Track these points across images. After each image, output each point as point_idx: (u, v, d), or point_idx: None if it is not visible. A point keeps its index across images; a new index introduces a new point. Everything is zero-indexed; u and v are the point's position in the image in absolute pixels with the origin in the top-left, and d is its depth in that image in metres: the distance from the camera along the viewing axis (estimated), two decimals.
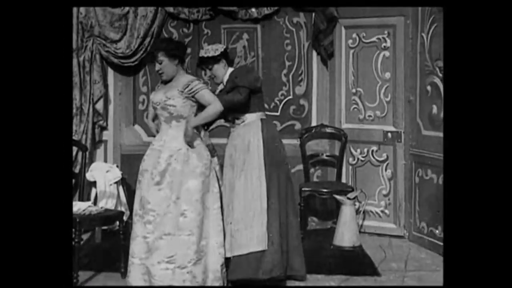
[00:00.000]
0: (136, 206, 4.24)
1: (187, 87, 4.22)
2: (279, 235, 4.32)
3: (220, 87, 4.62)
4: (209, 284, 4.18)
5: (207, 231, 4.20)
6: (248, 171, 4.37)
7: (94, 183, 5.62)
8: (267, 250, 4.26)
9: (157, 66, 4.34)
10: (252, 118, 4.49)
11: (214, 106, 4.21)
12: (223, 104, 4.25)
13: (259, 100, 4.55)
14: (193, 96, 4.23)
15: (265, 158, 4.39)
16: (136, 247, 4.14)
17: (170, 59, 4.32)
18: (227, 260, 4.30)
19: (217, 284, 4.19)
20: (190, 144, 4.20)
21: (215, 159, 4.48)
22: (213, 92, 4.50)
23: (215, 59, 4.50)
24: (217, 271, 4.20)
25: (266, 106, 6.16)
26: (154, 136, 4.48)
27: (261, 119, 4.51)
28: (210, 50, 4.54)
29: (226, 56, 4.56)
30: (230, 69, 4.56)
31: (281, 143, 4.58)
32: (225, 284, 4.27)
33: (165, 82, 4.39)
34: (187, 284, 4.08)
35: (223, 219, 4.30)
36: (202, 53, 4.55)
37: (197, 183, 4.17)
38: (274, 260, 4.27)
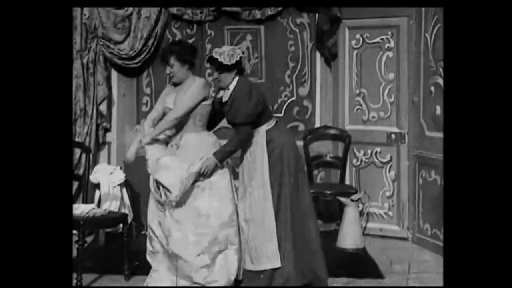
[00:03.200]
0: None
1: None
2: (292, 247, 4.26)
3: (222, 93, 4.44)
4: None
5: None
6: (253, 190, 4.31)
7: (97, 185, 5.63)
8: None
9: (168, 69, 4.40)
10: (257, 134, 4.35)
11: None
12: (231, 149, 4.31)
13: (263, 114, 4.36)
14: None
15: (271, 173, 4.29)
16: None
17: (181, 63, 4.36)
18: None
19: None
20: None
21: None
22: (216, 92, 4.53)
23: (227, 67, 4.26)
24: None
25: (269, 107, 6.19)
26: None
27: (267, 131, 4.34)
28: (225, 55, 4.25)
29: (239, 66, 4.31)
30: (236, 78, 4.32)
31: (292, 149, 4.40)
32: None
33: (175, 84, 4.43)
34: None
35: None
36: (216, 55, 4.26)
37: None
38: (287, 274, 4.23)
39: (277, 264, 4.22)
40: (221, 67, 4.26)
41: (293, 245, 4.27)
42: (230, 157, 4.39)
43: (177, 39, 6.09)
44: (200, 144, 4.38)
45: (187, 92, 4.33)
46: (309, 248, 4.34)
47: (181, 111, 4.32)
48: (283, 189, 4.30)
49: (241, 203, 4.38)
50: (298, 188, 4.36)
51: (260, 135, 4.34)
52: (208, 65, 4.54)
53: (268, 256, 4.23)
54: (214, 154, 4.28)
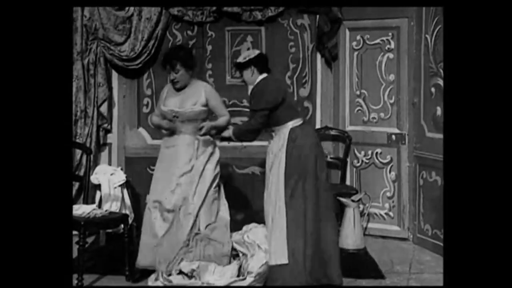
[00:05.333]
0: None
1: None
2: (304, 247, 4.32)
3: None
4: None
5: None
6: (270, 187, 4.49)
7: (98, 186, 5.64)
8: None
9: (172, 75, 4.55)
10: (280, 131, 4.54)
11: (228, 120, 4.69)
12: (240, 132, 4.57)
13: (287, 110, 4.58)
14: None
15: (287, 170, 4.42)
16: None
17: (187, 69, 4.47)
18: None
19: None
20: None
21: None
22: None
23: (242, 65, 4.66)
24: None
25: None
26: (158, 138, 4.61)
27: (291, 129, 4.51)
28: (241, 56, 4.74)
29: (256, 63, 4.65)
30: (260, 77, 4.65)
31: (314, 149, 4.50)
32: None
33: (178, 89, 4.51)
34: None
35: None
36: (237, 59, 4.78)
37: None
38: (293, 271, 4.28)
39: (284, 260, 4.27)
40: (238, 67, 4.71)
41: (305, 245, 4.31)
42: (242, 136, 4.66)
43: (178, 43, 6.11)
44: (193, 145, 4.55)
45: (215, 98, 4.68)
46: (323, 251, 4.38)
47: (225, 110, 4.76)
48: (298, 188, 4.38)
49: (265, 194, 4.57)
50: (316, 190, 4.43)
51: (284, 132, 4.52)
52: (234, 71, 5.07)
53: (276, 252, 4.29)
54: (232, 129, 4.62)
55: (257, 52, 4.80)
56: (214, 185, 4.64)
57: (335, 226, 4.60)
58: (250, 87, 4.68)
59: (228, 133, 4.65)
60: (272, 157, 4.55)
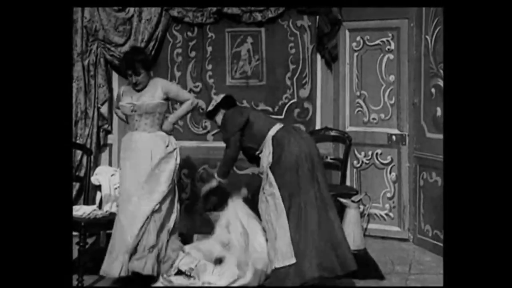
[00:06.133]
0: None
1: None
2: (306, 243, 4.31)
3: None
4: None
5: None
6: (267, 194, 4.47)
7: (99, 187, 5.62)
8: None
9: (135, 79, 4.53)
10: (264, 145, 4.56)
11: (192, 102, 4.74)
12: (223, 168, 4.72)
13: (260, 122, 4.64)
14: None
15: (277, 176, 4.42)
16: None
17: (147, 71, 4.57)
18: None
19: None
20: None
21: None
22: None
23: (213, 112, 4.84)
24: None
25: (270, 109, 6.21)
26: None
27: (273, 137, 4.52)
28: (210, 104, 4.89)
29: (223, 105, 4.82)
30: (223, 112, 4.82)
31: (305, 146, 4.48)
32: None
33: (138, 90, 4.58)
34: None
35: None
36: (205, 108, 5.00)
37: None
38: (300, 268, 4.27)
39: (292, 260, 4.28)
40: (209, 115, 4.91)
41: (307, 240, 4.30)
42: (226, 169, 4.74)
43: (177, 44, 6.16)
44: (154, 142, 4.57)
45: (173, 88, 4.75)
46: (330, 239, 4.35)
47: (187, 94, 4.88)
48: (295, 189, 4.37)
49: (261, 204, 4.54)
50: (315, 189, 4.41)
51: (267, 142, 4.53)
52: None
53: (283, 254, 4.30)
54: (216, 174, 4.74)
55: (221, 96, 4.93)
56: (170, 183, 4.59)
57: (336, 214, 4.53)
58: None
59: (214, 182, 4.75)
60: (261, 167, 4.59)
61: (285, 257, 4.30)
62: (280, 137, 4.51)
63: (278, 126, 4.60)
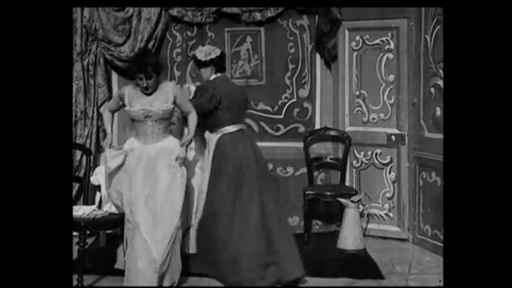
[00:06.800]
0: None
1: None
2: (231, 238, 4.52)
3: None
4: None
5: None
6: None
7: (98, 187, 5.63)
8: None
9: (145, 82, 4.39)
10: (212, 137, 4.82)
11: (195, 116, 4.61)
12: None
13: (223, 115, 4.80)
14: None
15: (212, 175, 4.72)
16: None
17: (157, 75, 4.44)
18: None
19: None
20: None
21: None
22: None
23: (204, 63, 4.84)
24: None
25: (269, 109, 6.22)
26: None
27: (219, 137, 4.78)
28: (203, 53, 4.85)
29: (216, 63, 4.86)
30: (213, 76, 4.86)
31: (242, 153, 4.73)
32: None
33: (147, 94, 4.47)
34: None
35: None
36: (197, 52, 4.91)
37: None
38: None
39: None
40: (199, 64, 4.89)
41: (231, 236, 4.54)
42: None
43: (177, 44, 6.15)
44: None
45: (182, 95, 4.61)
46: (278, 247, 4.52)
47: (190, 105, 4.66)
48: (219, 193, 4.67)
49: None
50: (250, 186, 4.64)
51: (213, 140, 4.80)
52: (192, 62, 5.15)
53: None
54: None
55: (218, 51, 4.90)
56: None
57: (258, 228, 4.60)
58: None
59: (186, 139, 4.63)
60: (203, 161, 4.86)
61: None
62: (224, 142, 4.75)
63: (232, 128, 4.78)
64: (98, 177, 5.65)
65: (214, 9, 6.04)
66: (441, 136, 5.20)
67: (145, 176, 4.37)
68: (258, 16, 6.08)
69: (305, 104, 6.26)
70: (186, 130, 4.84)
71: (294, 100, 6.25)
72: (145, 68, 4.33)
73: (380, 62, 5.95)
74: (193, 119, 4.59)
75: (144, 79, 4.36)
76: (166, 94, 4.47)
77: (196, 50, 4.98)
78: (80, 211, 4.68)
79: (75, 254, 4.48)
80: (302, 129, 6.25)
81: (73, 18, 5.91)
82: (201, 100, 4.77)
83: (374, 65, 5.96)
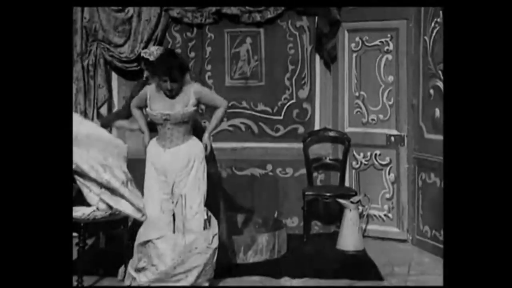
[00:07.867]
0: None
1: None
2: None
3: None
4: None
5: None
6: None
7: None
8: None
9: (170, 85, 4.22)
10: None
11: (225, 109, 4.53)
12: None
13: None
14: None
15: None
16: None
17: (184, 77, 4.29)
18: None
19: None
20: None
21: None
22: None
23: (148, 63, 4.88)
24: None
25: (269, 110, 6.23)
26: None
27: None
28: (151, 54, 4.87)
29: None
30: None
31: None
32: None
33: (171, 97, 4.31)
34: None
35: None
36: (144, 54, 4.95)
37: None
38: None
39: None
40: (146, 64, 4.89)
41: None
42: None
43: (177, 45, 6.16)
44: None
45: (206, 93, 4.47)
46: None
47: (219, 99, 4.54)
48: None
49: None
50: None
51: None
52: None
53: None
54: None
55: (160, 51, 4.81)
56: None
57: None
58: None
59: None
60: None
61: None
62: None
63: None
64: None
65: (214, 10, 6.05)
66: (440, 137, 5.21)
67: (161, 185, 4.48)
68: (257, 17, 6.09)
69: (305, 105, 6.27)
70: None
71: (294, 101, 6.26)
72: (170, 71, 4.17)
73: (379, 63, 5.95)
74: (219, 111, 4.44)
75: (168, 81, 4.20)
76: (188, 97, 4.30)
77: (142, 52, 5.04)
78: (80, 211, 4.66)
79: (75, 255, 4.48)
80: (301, 130, 6.26)
81: (73, 18, 5.92)
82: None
83: (373, 66, 5.97)
